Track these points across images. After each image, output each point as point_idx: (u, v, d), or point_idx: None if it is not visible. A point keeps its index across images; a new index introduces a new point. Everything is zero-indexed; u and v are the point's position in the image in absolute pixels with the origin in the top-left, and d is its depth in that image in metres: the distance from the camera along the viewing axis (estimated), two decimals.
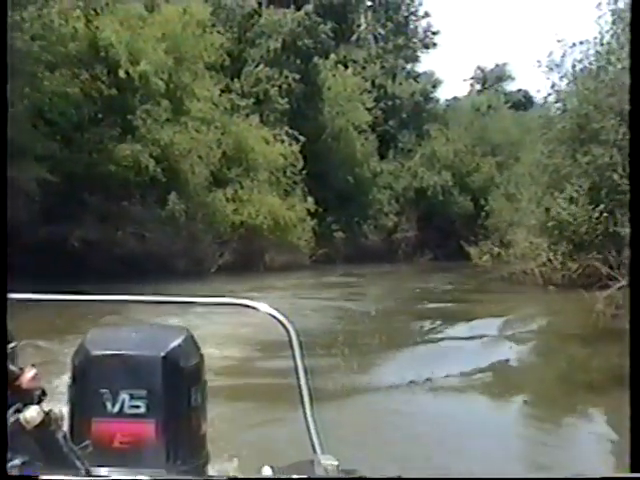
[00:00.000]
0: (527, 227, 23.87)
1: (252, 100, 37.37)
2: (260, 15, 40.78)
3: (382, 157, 46.66)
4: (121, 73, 25.07)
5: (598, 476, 1.41)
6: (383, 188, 45.41)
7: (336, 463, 1.85)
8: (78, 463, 1.77)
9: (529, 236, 23.09)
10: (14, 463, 1.59)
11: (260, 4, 41.13)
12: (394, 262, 40.52)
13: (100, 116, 24.41)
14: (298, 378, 2.22)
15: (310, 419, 2.17)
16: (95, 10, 23.50)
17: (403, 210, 46.21)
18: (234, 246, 30.22)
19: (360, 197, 42.51)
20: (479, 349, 13.16)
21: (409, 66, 52.33)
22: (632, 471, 1.41)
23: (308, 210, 35.81)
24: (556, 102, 23.90)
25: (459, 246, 34.31)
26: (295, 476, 1.70)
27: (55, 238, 21.56)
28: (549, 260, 20.87)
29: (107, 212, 23.79)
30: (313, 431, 2.15)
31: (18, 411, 1.69)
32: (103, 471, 1.82)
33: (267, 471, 1.85)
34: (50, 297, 2.50)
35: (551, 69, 23.75)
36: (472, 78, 62.48)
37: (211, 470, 2.48)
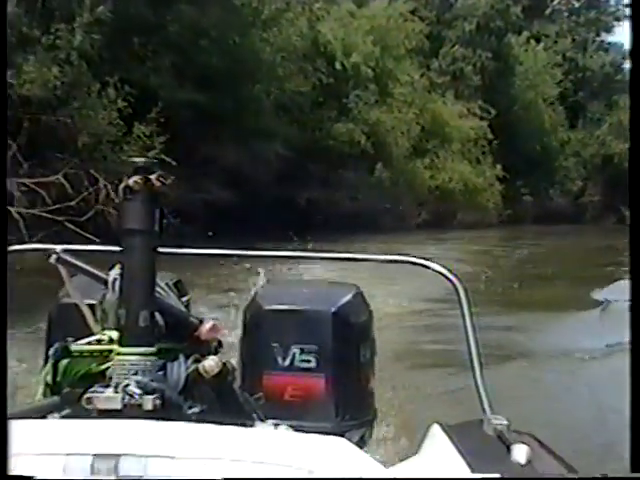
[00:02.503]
0: None
1: (448, 78, 41.59)
2: None
3: (572, 126, 49.63)
4: (337, 65, 29.81)
5: (598, 476, 1.39)
6: (571, 156, 48.49)
7: (506, 423, 1.68)
8: (253, 414, 1.81)
9: None
10: (193, 411, 1.63)
11: None
12: (580, 224, 43.01)
13: (321, 100, 29.01)
14: (467, 338, 2.12)
15: (479, 379, 2.04)
16: (317, 17, 28.84)
17: (590, 176, 49.14)
18: (430, 207, 34.31)
19: (547, 164, 45.72)
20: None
21: (600, 39, 54.51)
22: (632, 471, 1.33)
23: (497, 176, 39.74)
24: None
25: None
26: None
27: (286, 198, 25.24)
28: None
29: (327, 178, 27.91)
30: (482, 391, 2.02)
31: (197, 361, 1.72)
32: (274, 423, 1.76)
33: (436, 429, 1.74)
34: (209, 252, 2.56)
35: None
36: None
37: (377, 427, 2.51)
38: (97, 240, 15.54)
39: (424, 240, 22.94)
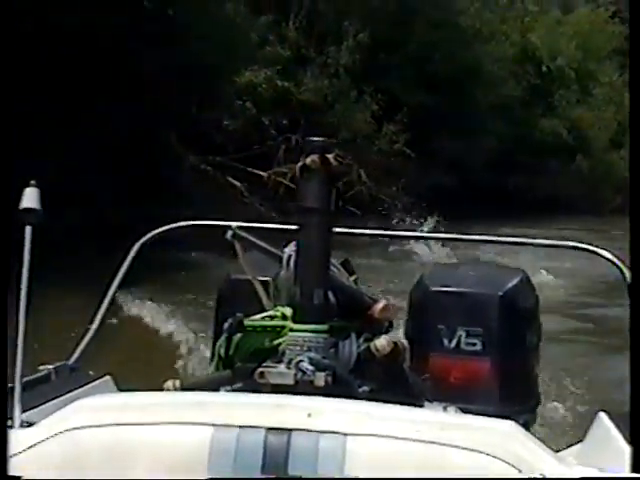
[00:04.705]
0: None
1: None
2: None
3: None
4: (543, 68, 33.57)
5: (597, 476, 1.37)
6: None
7: None
8: (422, 395, 1.82)
9: None
10: (363, 389, 1.65)
11: None
12: None
13: (528, 99, 32.60)
14: (632, 326, 1.83)
15: None
16: (527, 28, 33.19)
17: None
18: (625, 194, 36.90)
19: None
20: None
21: None
22: (632, 471, 1.33)
23: None
24: None
25: None
26: None
27: (497, 184, 27.84)
28: None
29: (532, 167, 30.11)
30: None
31: (368, 340, 1.74)
32: (437, 406, 1.77)
33: (603, 417, 1.72)
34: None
35: None
36: None
37: (540, 413, 2.50)
38: (358, 213, 20.54)
39: (617, 223, 25.45)
